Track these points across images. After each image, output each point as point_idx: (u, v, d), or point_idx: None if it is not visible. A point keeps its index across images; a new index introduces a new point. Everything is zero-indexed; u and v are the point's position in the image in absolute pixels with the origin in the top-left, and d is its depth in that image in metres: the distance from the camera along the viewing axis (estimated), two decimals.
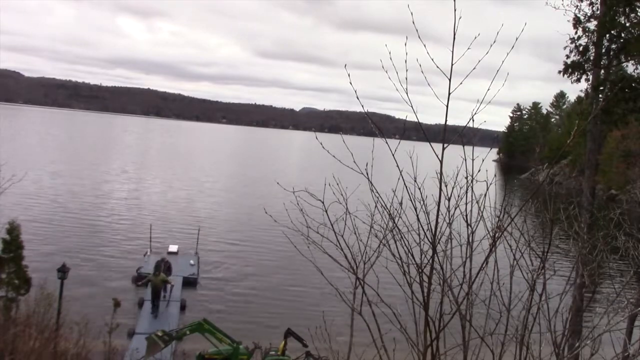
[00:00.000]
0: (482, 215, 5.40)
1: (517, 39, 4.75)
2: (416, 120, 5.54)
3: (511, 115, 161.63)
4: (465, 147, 5.18)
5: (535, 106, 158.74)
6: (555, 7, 16.95)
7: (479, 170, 5.29)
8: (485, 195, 5.42)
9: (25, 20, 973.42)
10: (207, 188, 62.58)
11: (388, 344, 5.57)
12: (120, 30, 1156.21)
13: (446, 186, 5.08)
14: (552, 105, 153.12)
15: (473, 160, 5.21)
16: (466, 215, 5.35)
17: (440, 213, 5.02)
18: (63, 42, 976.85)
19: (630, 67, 17.41)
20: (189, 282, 26.24)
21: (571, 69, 17.39)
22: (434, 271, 5.14)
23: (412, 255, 5.22)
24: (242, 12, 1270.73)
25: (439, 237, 5.10)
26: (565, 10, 17.13)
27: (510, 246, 5.74)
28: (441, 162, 4.96)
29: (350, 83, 5.43)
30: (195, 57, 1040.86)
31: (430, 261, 5.10)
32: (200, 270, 28.14)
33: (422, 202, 5.23)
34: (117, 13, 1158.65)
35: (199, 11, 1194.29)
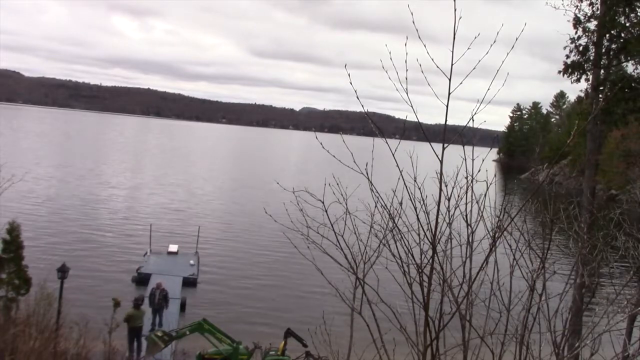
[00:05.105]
0: (482, 215, 5.40)
1: (517, 39, 4.76)
2: (416, 120, 5.55)
3: (511, 115, 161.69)
4: (465, 147, 5.18)
5: (535, 106, 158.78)
6: (555, 7, 16.94)
7: (479, 170, 5.29)
8: (485, 195, 5.43)
9: (20, 20, 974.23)
10: (207, 188, 62.58)
11: (388, 344, 5.57)
12: (115, 29, 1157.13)
13: (446, 186, 5.08)
14: (552, 105, 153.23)
15: (473, 160, 5.21)
16: (466, 215, 5.35)
17: (440, 213, 5.02)
18: (59, 41, 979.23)
19: (630, 67, 17.40)
20: (189, 282, 26.22)
21: (571, 69, 17.37)
22: (434, 271, 5.14)
23: (412, 255, 5.22)
24: (235, 11, 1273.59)
25: (439, 237, 5.10)
26: (565, 10, 17.12)
27: (510, 246, 5.74)
28: (441, 162, 4.96)
29: (351, 83, 5.44)
30: (192, 57, 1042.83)
31: (430, 261, 5.10)
32: (200, 270, 28.13)
33: (422, 202, 5.24)
34: (111, 12, 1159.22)
35: (192, 10, 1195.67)
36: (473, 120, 4.95)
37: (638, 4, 16.52)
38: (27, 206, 39.61)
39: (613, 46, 17.01)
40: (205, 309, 22.91)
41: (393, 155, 5.18)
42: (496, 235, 5.23)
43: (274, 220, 7.33)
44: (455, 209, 5.20)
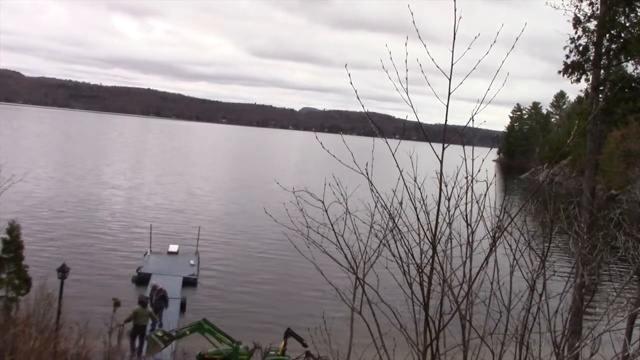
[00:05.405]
0: (482, 215, 5.40)
1: (517, 39, 4.76)
2: (416, 120, 5.55)
3: (511, 115, 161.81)
4: (465, 147, 5.18)
5: (535, 106, 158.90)
6: (555, 7, 16.96)
7: (479, 170, 5.29)
8: (485, 195, 5.43)
9: (20, 20, 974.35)
10: (207, 188, 62.59)
11: (388, 344, 5.57)
12: (115, 29, 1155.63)
13: (446, 186, 5.08)
14: (552, 105, 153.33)
15: (473, 160, 5.22)
16: (466, 215, 5.35)
17: (440, 213, 5.02)
18: (59, 41, 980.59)
19: (630, 67, 17.41)
20: (189, 282, 26.21)
21: (571, 69, 17.38)
22: (434, 271, 5.14)
23: (412, 255, 5.22)
24: (235, 11, 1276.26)
25: (439, 237, 5.10)
26: (565, 10, 17.13)
27: (510, 246, 5.74)
28: (441, 162, 4.97)
29: (351, 83, 5.44)
30: (192, 57, 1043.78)
31: (430, 261, 5.10)
32: (200, 270, 28.13)
33: (422, 202, 5.24)
34: (111, 12, 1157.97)
35: (192, 10, 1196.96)
36: (473, 120, 4.96)
37: (638, 4, 16.53)
38: (27, 206, 39.60)
39: (613, 46, 17.01)
40: (205, 309, 22.92)
41: (393, 155, 5.18)
42: (496, 235, 5.23)
43: (274, 221, 7.33)
44: (455, 209, 5.20)
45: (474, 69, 4.69)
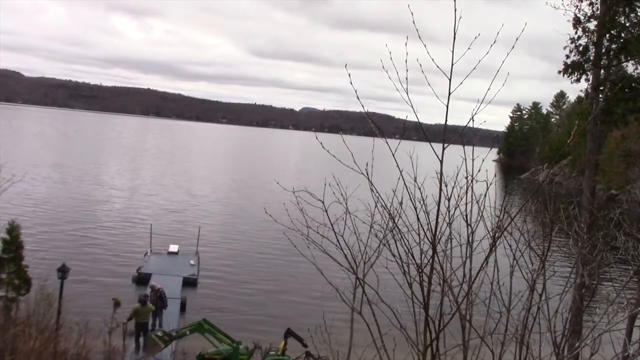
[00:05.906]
0: (482, 215, 5.40)
1: (517, 39, 4.76)
2: (416, 120, 5.55)
3: (511, 115, 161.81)
4: (465, 147, 5.18)
5: (535, 106, 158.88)
6: (555, 7, 16.96)
7: (479, 170, 5.29)
8: (485, 195, 5.43)
9: (20, 20, 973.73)
10: (207, 188, 62.59)
11: (388, 344, 5.57)
12: (115, 29, 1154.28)
13: (446, 186, 5.09)
14: (552, 105, 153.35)
15: (473, 160, 5.22)
16: (466, 215, 5.35)
17: (440, 213, 5.02)
18: (59, 41, 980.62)
19: (630, 67, 17.41)
20: (189, 282, 26.22)
21: (571, 69, 17.38)
22: (434, 271, 5.14)
23: (412, 255, 5.22)
24: (235, 11, 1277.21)
25: (439, 237, 5.10)
26: (565, 10, 17.14)
27: (510, 246, 5.74)
28: (441, 162, 4.97)
29: (351, 83, 5.45)
30: (192, 57, 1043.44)
31: (430, 261, 5.10)
32: (200, 270, 28.14)
33: (422, 202, 5.24)
34: (110, 12, 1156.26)
35: (192, 10, 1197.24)
36: (473, 120, 4.96)
37: (638, 4, 16.53)
38: (27, 206, 39.60)
39: (613, 46, 17.01)
40: (206, 309, 22.92)
41: (393, 155, 5.18)
42: (496, 235, 5.23)
43: (274, 221, 7.33)
44: (455, 209, 5.20)
45: (474, 69, 4.69)
